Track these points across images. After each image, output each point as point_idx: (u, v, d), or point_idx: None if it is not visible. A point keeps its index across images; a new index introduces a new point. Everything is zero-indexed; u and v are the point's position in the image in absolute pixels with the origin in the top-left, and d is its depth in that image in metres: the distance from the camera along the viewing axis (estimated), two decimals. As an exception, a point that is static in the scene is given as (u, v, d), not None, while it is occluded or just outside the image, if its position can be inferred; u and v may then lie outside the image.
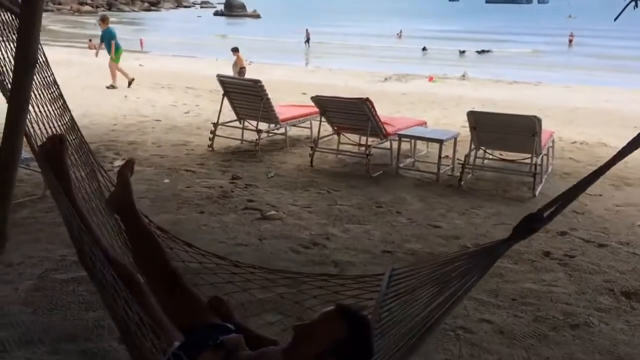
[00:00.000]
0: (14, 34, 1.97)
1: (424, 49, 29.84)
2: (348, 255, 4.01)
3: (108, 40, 12.40)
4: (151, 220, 2.41)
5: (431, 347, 2.84)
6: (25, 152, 5.33)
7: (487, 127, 5.79)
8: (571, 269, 3.92)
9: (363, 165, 6.25)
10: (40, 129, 2.22)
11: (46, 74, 2.18)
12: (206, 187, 5.45)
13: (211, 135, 6.96)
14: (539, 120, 5.45)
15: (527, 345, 2.97)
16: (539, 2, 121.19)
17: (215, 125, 6.95)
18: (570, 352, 2.90)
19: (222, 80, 6.98)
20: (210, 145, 6.93)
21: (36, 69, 1.99)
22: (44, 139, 2.22)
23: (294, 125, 7.40)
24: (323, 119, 6.59)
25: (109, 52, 12.30)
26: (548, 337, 3.03)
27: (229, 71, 14.58)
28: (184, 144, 7.18)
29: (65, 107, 2.45)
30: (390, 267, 2.25)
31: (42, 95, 2.15)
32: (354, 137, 6.84)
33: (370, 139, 6.25)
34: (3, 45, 1.98)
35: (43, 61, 2.08)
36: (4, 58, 2.02)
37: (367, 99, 6.03)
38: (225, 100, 7.03)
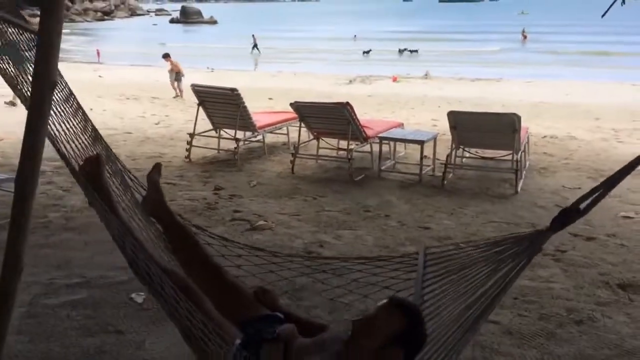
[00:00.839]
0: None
1: (368, 51, 29.90)
2: (344, 271, 3.96)
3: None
4: (185, 219, 2.45)
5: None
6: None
7: (467, 126, 5.85)
8: (565, 263, 3.98)
9: (344, 169, 6.24)
10: (72, 148, 2.21)
11: (62, 86, 2.10)
12: (189, 200, 5.33)
13: (188, 146, 6.82)
14: (519, 118, 5.54)
15: (537, 344, 2.99)
16: (490, 0, 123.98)
17: (192, 135, 6.82)
18: (580, 348, 2.93)
19: (197, 89, 6.86)
20: (188, 156, 6.80)
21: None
22: (77, 157, 2.23)
23: (270, 132, 7.33)
24: (302, 125, 6.54)
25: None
26: (556, 335, 3.06)
27: (193, 79, 14.38)
28: (160, 156, 7.01)
29: (86, 118, 2.43)
30: (423, 246, 2.28)
31: (63, 111, 2.09)
32: (333, 142, 6.82)
33: (350, 143, 6.23)
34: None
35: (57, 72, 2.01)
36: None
37: (348, 103, 6.02)
38: (200, 110, 6.91)
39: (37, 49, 1.43)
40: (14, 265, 1.64)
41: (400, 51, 30.37)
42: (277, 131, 7.50)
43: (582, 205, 1.72)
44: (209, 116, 6.96)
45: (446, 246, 2.19)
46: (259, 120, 6.97)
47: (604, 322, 3.19)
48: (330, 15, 74.10)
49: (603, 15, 3.21)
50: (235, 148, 6.66)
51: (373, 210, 5.13)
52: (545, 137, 8.41)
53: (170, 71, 13.77)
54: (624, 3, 3.14)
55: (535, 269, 3.88)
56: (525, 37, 37.08)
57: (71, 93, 2.31)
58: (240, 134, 6.85)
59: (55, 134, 2.07)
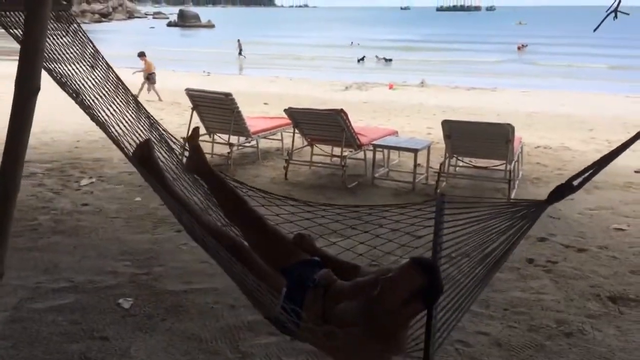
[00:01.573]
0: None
1: (362, 59, 30.00)
2: (371, 218, 3.94)
3: None
4: (227, 175, 2.68)
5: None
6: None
7: (461, 135, 5.84)
8: (556, 275, 3.97)
9: (337, 176, 6.21)
10: (121, 128, 2.35)
11: (100, 65, 2.13)
12: (181, 204, 5.29)
13: (181, 150, 6.77)
14: (512, 128, 5.54)
15: (526, 356, 2.97)
16: (487, 10, 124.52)
17: (185, 139, 6.77)
18: (570, 361, 2.92)
19: (191, 94, 6.83)
20: (181, 161, 6.75)
21: (92, 63, 1.99)
22: (127, 136, 2.42)
23: (264, 138, 7.31)
24: (296, 131, 6.52)
25: None
26: (545, 347, 3.05)
27: (189, 83, 14.35)
28: (152, 160, 6.97)
29: (125, 88, 2.56)
30: (440, 196, 2.38)
31: (107, 93, 2.15)
32: (327, 148, 6.80)
33: (344, 150, 6.22)
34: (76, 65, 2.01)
35: (93, 49, 2.04)
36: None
37: (342, 110, 6.00)
38: (194, 114, 6.89)
39: (21, 53, 1.40)
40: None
41: (378, 59, 30.38)
42: (271, 137, 7.48)
43: (576, 182, 1.95)
44: (203, 120, 6.93)
45: (463, 197, 2.28)
46: (253, 125, 6.95)
47: (594, 335, 3.17)
48: (327, 22, 74.25)
49: (595, 29, 3.21)
50: (228, 153, 6.63)
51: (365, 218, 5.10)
52: (539, 147, 8.42)
53: (144, 71, 13.63)
54: (617, 17, 3.14)
55: (527, 280, 3.87)
56: (520, 48, 37.26)
57: (109, 67, 2.38)
58: (234, 139, 6.83)
59: (104, 119, 2.17)
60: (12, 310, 3.26)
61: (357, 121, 9.81)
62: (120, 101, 2.42)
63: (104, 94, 2.24)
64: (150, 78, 13.53)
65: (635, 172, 6.80)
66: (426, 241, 2.29)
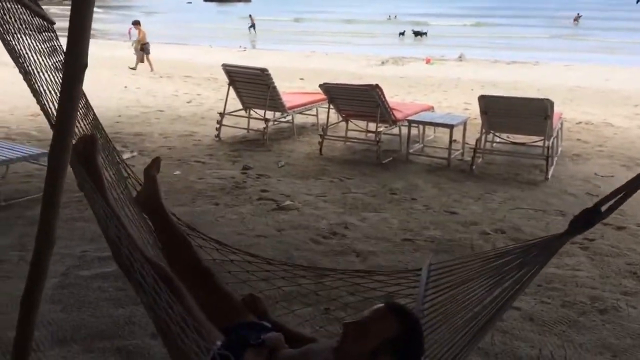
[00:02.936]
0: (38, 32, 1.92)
1: (402, 33, 29.55)
2: (369, 244, 4.01)
3: None
4: (179, 219, 2.38)
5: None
6: (34, 148, 5.31)
7: (498, 111, 5.77)
8: (592, 252, 3.94)
9: (372, 152, 6.24)
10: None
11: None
12: (218, 179, 5.42)
13: (218, 125, 6.91)
14: (551, 103, 5.44)
15: (558, 331, 2.98)
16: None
17: (222, 114, 6.90)
18: (602, 337, 2.92)
19: (228, 69, 6.91)
20: (217, 135, 6.89)
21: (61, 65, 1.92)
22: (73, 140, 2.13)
23: (300, 113, 7.36)
24: (331, 107, 6.54)
25: None
26: (578, 323, 3.05)
27: (225, 58, 14.46)
28: (191, 135, 7.13)
29: (88, 106, 2.37)
30: (428, 261, 2.22)
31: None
32: (361, 124, 6.81)
33: (379, 125, 6.23)
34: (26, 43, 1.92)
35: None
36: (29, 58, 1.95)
37: (377, 86, 5.99)
38: (230, 89, 6.98)
39: (70, 29, 1.47)
40: (47, 238, 1.70)
41: (415, 33, 29.76)
42: (307, 112, 7.52)
43: (604, 207, 1.62)
44: (239, 96, 7.02)
45: (451, 260, 2.11)
46: (288, 100, 7.01)
47: (629, 312, 3.16)
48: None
49: (638, 1, 3.11)
50: (264, 128, 6.72)
51: (399, 194, 5.13)
52: (580, 123, 8.23)
53: (137, 41, 13.61)
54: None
55: (562, 257, 3.85)
56: (576, 19, 36.05)
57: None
58: (269, 114, 6.90)
59: (52, 112, 2.01)
60: (60, 277, 3.43)
61: (393, 96, 9.76)
62: (79, 109, 2.22)
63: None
64: (144, 48, 13.56)
65: (681, 148, 6.61)
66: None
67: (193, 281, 2.04)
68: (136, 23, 13.92)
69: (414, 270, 2.23)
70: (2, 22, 1.90)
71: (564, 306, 3.22)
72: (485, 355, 2.75)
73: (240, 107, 7.13)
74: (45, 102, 1.99)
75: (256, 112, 7.06)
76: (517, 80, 12.91)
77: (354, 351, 1.64)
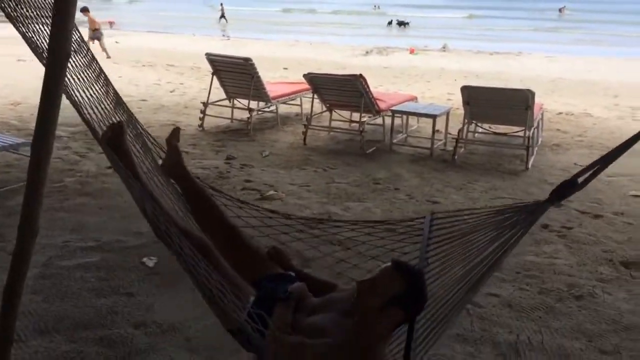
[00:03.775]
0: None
1: (390, 22, 29.73)
2: (353, 234, 4.03)
3: None
4: (204, 181, 2.54)
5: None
6: (14, 137, 5.25)
7: (480, 101, 5.83)
8: (570, 240, 4.02)
9: (356, 141, 6.26)
10: (95, 113, 2.26)
11: (85, 52, 2.14)
12: (202, 168, 5.41)
13: (201, 115, 6.88)
14: (532, 94, 5.50)
15: (536, 317, 3.05)
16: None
17: (205, 104, 6.87)
18: (578, 322, 2.99)
19: (212, 58, 6.87)
20: (201, 125, 6.87)
21: (75, 48, 1.95)
22: (100, 122, 2.27)
23: (284, 103, 7.35)
24: (315, 96, 6.55)
25: None
26: (555, 309, 3.12)
27: (208, 47, 14.36)
28: (174, 124, 7.08)
29: (108, 82, 2.46)
30: (430, 213, 2.34)
31: (86, 77, 2.14)
32: (345, 114, 6.83)
33: (362, 115, 6.25)
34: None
35: (79, 37, 2.04)
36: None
37: (361, 76, 6.01)
38: (214, 79, 6.95)
39: (53, 16, 1.47)
40: (30, 228, 1.71)
41: (389, 24, 29.93)
42: (291, 102, 7.52)
43: (580, 179, 1.81)
44: (223, 85, 6.99)
45: (452, 212, 2.23)
46: (272, 90, 7.00)
47: (604, 298, 3.23)
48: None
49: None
50: (248, 118, 6.71)
51: (383, 183, 5.17)
52: (560, 113, 8.34)
53: (89, 28, 13.40)
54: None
55: (541, 245, 3.93)
56: (562, 10, 36.31)
57: (93, 58, 2.35)
58: (253, 104, 6.89)
59: (79, 100, 2.12)
60: (41, 267, 3.41)
61: (377, 87, 9.80)
62: (99, 89, 2.33)
63: (82, 78, 2.18)
64: (95, 34, 13.36)
65: (658, 139, 6.72)
66: (411, 257, 2.18)
67: (222, 238, 2.25)
68: (84, 10, 13.65)
69: (418, 219, 2.38)
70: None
71: (541, 293, 3.29)
72: (465, 341, 2.80)
73: (224, 96, 7.11)
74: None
75: (240, 102, 7.04)
76: (500, 71, 13.01)
77: (366, 305, 1.83)
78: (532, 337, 2.86)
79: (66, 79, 1.99)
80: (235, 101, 7.08)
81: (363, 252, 2.43)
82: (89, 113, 2.18)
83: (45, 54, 1.77)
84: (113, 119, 2.37)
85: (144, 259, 3.56)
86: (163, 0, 45.01)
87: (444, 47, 18.64)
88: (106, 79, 2.44)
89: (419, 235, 2.25)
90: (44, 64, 1.82)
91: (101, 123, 2.28)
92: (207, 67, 7.39)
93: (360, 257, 2.50)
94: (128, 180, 2.06)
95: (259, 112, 7.31)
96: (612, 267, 3.63)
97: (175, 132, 2.51)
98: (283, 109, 7.62)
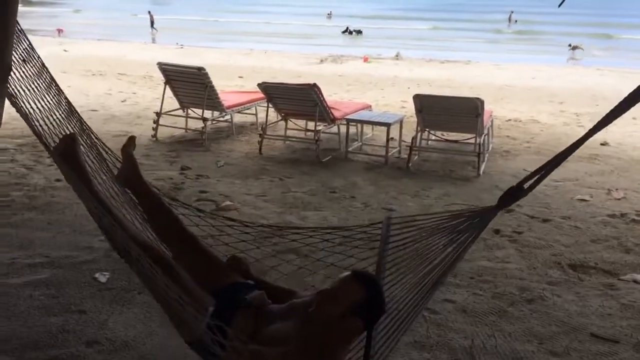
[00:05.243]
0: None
1: (345, 30, 30.20)
2: (311, 240, 4.03)
3: None
4: (160, 191, 2.47)
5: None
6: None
7: (432, 109, 5.94)
8: (520, 244, 4.13)
9: (312, 150, 6.28)
10: (47, 124, 2.20)
11: (35, 61, 2.08)
12: (156, 180, 5.30)
13: (154, 125, 6.77)
14: (482, 102, 5.65)
15: (489, 322, 3.12)
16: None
17: (158, 114, 6.76)
18: (530, 326, 3.08)
19: (164, 68, 6.77)
20: (154, 135, 6.75)
21: (24, 57, 1.90)
22: (52, 134, 2.22)
23: (239, 112, 7.31)
24: (270, 106, 6.54)
25: None
26: (507, 313, 3.20)
27: (160, 55, 14.15)
28: (126, 135, 6.89)
29: (59, 91, 2.40)
30: (387, 216, 2.37)
31: (37, 87, 2.08)
32: (301, 123, 6.84)
33: (317, 124, 6.28)
34: None
35: (28, 45, 1.98)
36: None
37: (315, 85, 6.04)
38: (167, 88, 6.85)
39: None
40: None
41: (344, 32, 30.38)
42: (246, 111, 7.49)
43: (526, 185, 1.89)
44: (176, 95, 6.90)
45: (409, 216, 2.26)
46: (227, 99, 6.95)
47: (554, 301, 3.34)
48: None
49: (560, 5, 3.31)
50: (202, 128, 6.64)
51: (339, 192, 5.20)
52: (509, 120, 8.59)
53: None
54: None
55: (493, 250, 4.03)
56: (510, 19, 37.47)
57: (43, 66, 2.29)
58: (208, 114, 6.82)
59: (29, 112, 2.05)
60: (-12, 286, 3.28)
61: (332, 94, 9.87)
62: (51, 99, 2.28)
63: (32, 89, 2.12)
64: None
65: (601, 144, 7.01)
66: (368, 264, 2.21)
67: (180, 248, 2.24)
68: None
69: (375, 224, 2.37)
70: None
71: (494, 297, 3.37)
72: (422, 348, 2.85)
73: (178, 106, 7.01)
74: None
75: (194, 112, 6.96)
76: (451, 79, 13.31)
77: (326, 314, 1.86)
78: (486, 341, 2.92)
79: (15, 90, 1.93)
80: (190, 111, 6.99)
81: (321, 259, 2.45)
82: (39, 125, 2.14)
83: None
84: (65, 129, 2.34)
85: (96, 275, 3.48)
86: (96, 10, 43.76)
87: (396, 56, 18.91)
88: (58, 88, 2.38)
89: (376, 241, 2.27)
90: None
91: (53, 135, 2.23)
92: (160, 76, 7.27)
93: (318, 264, 2.52)
94: (82, 193, 2.02)
95: (214, 122, 7.24)
96: (561, 270, 3.75)
97: (131, 140, 2.45)
98: (238, 118, 7.58)
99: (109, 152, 2.48)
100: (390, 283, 2.10)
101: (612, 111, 1.65)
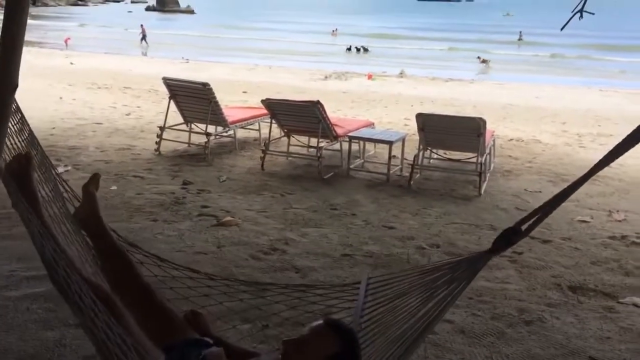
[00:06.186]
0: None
1: (349, 48, 30.43)
2: (308, 260, 4.05)
3: None
4: (120, 235, 2.34)
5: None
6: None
7: (434, 128, 5.97)
8: (520, 265, 4.12)
9: (314, 167, 6.30)
10: (5, 147, 2.11)
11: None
12: (157, 194, 5.33)
13: (157, 139, 6.81)
14: (484, 122, 5.67)
15: (487, 343, 3.10)
16: (467, 0, 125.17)
17: (162, 128, 6.80)
18: (528, 348, 3.06)
19: (169, 82, 6.83)
20: (157, 149, 6.78)
21: None
22: (6, 155, 2.10)
23: (242, 128, 7.35)
24: (273, 122, 6.58)
25: None
26: (506, 335, 3.18)
27: (166, 70, 14.27)
28: (129, 148, 6.98)
29: (24, 121, 2.32)
30: (367, 276, 2.30)
31: None
32: (303, 139, 6.87)
33: (320, 141, 6.31)
34: None
35: None
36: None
37: (318, 102, 6.08)
38: (171, 103, 6.90)
39: (1, 50, 1.45)
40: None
41: (348, 49, 30.53)
42: (249, 127, 7.52)
43: (524, 227, 1.79)
44: (180, 110, 6.95)
45: (388, 274, 2.18)
46: (230, 115, 6.99)
47: (553, 323, 3.32)
48: (311, 8, 73.90)
49: (562, 28, 3.32)
50: (205, 142, 6.67)
51: (340, 209, 5.21)
52: (511, 139, 8.60)
53: None
54: (582, 17, 3.26)
55: (492, 270, 4.01)
56: (520, 38, 37.77)
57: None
58: (211, 129, 6.86)
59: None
60: (-14, 298, 3.29)
61: (335, 111, 9.91)
62: (13, 125, 2.11)
63: None
64: None
65: (603, 165, 7.00)
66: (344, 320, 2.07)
67: (133, 298, 2.03)
68: None
69: (353, 284, 2.30)
70: None
71: (493, 318, 3.35)
72: (419, 369, 2.83)
73: (182, 120, 7.06)
74: None
75: (198, 126, 7.00)
76: (454, 98, 13.36)
77: None
78: (484, 363, 2.90)
79: None
80: (193, 125, 7.04)
81: (293, 318, 2.31)
82: None
83: None
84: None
85: (95, 289, 3.47)
86: (101, 24, 44.05)
87: (401, 73, 19.03)
88: (22, 117, 2.24)
89: (353, 300, 2.17)
90: None
91: (8, 158, 2.10)
92: (165, 90, 7.33)
93: (289, 324, 2.39)
94: (27, 215, 1.85)
95: (217, 137, 7.28)
96: (560, 292, 3.74)
97: (94, 178, 2.28)
98: (241, 133, 7.61)
99: (69, 191, 2.34)
100: (368, 341, 1.98)
101: (610, 153, 1.64)
